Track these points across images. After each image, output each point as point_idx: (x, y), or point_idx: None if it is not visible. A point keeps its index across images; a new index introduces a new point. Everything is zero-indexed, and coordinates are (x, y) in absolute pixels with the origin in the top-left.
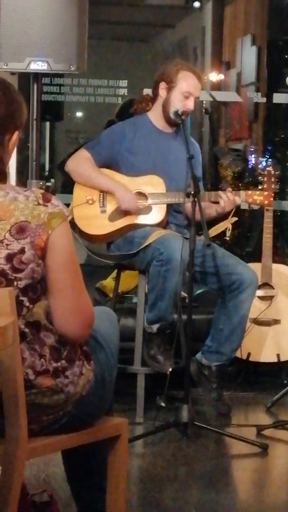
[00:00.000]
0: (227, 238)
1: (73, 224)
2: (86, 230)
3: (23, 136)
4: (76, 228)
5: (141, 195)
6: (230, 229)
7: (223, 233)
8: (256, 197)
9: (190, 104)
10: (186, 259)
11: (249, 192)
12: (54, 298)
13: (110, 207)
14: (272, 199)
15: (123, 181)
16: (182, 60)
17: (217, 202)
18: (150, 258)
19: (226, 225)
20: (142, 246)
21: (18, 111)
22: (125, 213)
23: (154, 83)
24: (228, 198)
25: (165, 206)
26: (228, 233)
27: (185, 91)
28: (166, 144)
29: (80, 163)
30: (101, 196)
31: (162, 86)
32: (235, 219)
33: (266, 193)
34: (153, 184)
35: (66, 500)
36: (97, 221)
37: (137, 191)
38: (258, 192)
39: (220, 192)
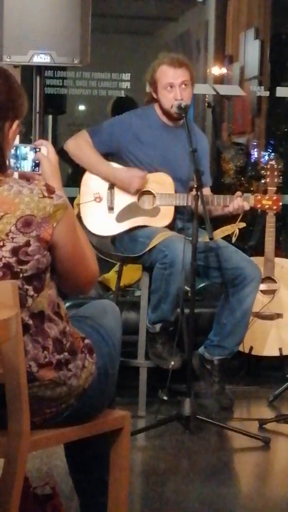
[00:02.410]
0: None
1: (79, 220)
2: (93, 231)
3: (26, 129)
4: (82, 225)
5: (150, 194)
6: (237, 234)
7: (229, 236)
8: (265, 202)
9: (176, 94)
10: (189, 259)
11: (258, 197)
12: (62, 278)
13: (118, 206)
14: (280, 203)
15: None
16: (166, 53)
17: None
18: (154, 260)
19: (233, 229)
20: (147, 249)
21: (19, 100)
22: (133, 214)
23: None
24: (237, 205)
25: (173, 207)
26: (234, 238)
27: (165, 84)
28: (172, 137)
29: (81, 146)
30: (109, 193)
31: (152, 89)
32: (244, 224)
33: (274, 197)
34: (162, 183)
35: (68, 493)
36: (104, 221)
37: (145, 190)
38: (267, 197)
39: (229, 197)
